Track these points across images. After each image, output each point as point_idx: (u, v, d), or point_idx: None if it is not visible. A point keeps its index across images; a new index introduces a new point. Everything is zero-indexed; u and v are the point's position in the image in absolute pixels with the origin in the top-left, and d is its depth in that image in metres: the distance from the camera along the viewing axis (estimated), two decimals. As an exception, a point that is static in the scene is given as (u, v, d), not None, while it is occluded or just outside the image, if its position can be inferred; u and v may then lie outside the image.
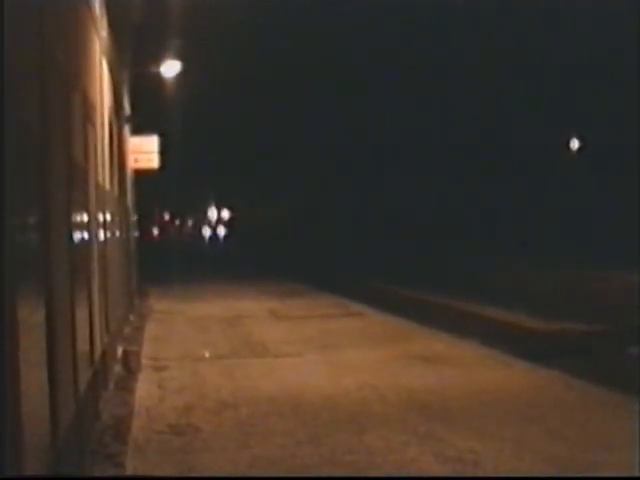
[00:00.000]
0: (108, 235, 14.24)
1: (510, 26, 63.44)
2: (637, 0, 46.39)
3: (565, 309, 25.06)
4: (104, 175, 13.79)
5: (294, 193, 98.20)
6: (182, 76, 30.36)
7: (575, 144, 68.18)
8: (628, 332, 21.20)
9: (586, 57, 60.48)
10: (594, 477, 8.11)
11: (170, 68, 28.49)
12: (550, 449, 9.27)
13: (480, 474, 8.52)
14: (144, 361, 15.50)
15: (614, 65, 58.52)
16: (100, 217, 12.62)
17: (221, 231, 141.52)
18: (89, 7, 11.67)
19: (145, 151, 27.53)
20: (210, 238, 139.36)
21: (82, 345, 9.16)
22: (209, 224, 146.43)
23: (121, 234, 19.10)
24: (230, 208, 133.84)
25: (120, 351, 15.89)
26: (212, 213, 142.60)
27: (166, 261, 51.93)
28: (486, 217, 72.20)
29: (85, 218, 10.08)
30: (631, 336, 20.44)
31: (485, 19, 64.68)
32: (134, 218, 29.17)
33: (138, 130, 27.50)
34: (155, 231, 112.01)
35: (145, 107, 28.93)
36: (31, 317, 5.81)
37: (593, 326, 22.62)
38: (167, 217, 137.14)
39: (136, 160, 26.91)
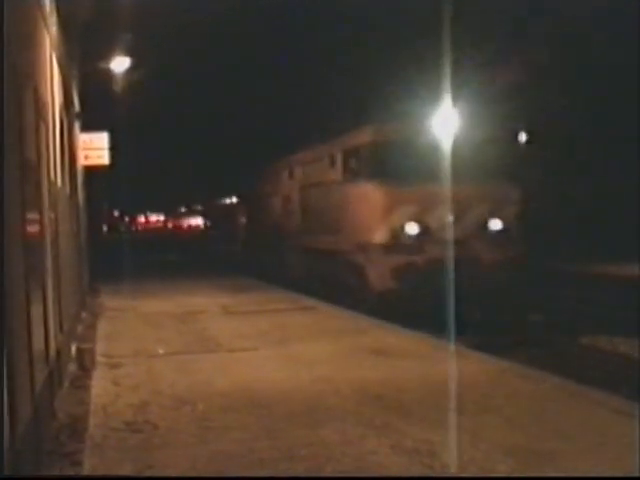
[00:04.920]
0: (60, 233, 14.16)
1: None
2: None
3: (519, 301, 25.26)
4: (56, 172, 13.71)
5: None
6: (132, 72, 30.23)
7: (523, 137, 69.11)
8: (580, 323, 21.45)
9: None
10: (594, 477, 8.19)
11: (119, 64, 28.40)
12: (507, 439, 9.37)
13: (437, 465, 8.59)
14: (98, 359, 15.42)
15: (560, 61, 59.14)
16: (53, 215, 12.55)
17: None
18: (39, 3, 11.60)
19: (95, 147, 27.33)
20: None
21: (37, 344, 9.12)
22: None
23: (72, 232, 18.99)
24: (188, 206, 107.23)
25: (74, 349, 15.82)
26: None
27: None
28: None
29: (38, 216, 10.03)
30: (583, 327, 20.68)
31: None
32: (85, 215, 28.97)
33: (88, 127, 27.34)
34: (104, 228, 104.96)
35: (95, 103, 28.75)
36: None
37: (546, 317, 22.87)
38: (116, 214, 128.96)
39: (86, 157, 26.73)
